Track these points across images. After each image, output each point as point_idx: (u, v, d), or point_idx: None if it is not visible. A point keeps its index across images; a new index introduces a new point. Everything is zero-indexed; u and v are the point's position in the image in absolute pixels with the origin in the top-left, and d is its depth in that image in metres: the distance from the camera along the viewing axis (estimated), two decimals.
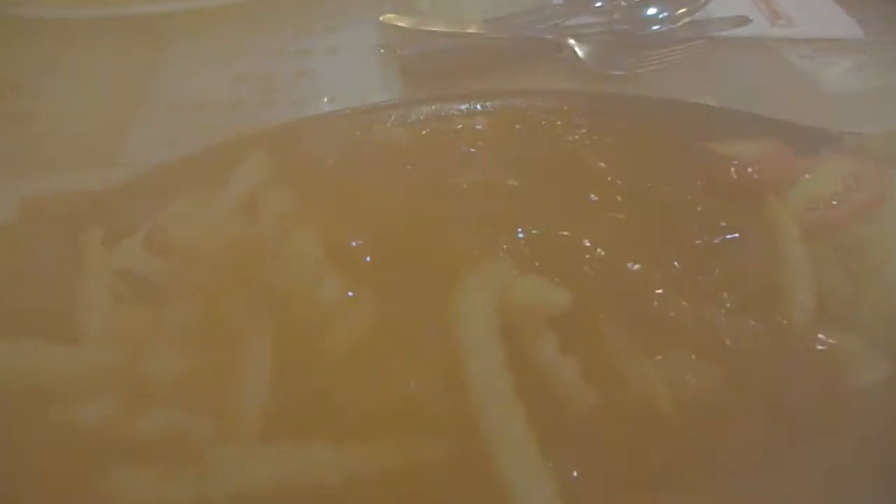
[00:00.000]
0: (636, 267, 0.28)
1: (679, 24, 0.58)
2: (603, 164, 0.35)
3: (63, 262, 0.31)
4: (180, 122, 0.51)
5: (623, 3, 0.61)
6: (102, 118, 0.52)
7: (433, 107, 0.43)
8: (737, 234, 0.30)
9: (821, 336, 0.29)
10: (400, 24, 0.59)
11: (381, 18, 0.60)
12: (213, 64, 0.57)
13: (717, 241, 0.30)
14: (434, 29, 0.58)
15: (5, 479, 0.25)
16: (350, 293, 0.26)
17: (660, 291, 0.28)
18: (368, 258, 0.29)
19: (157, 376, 0.25)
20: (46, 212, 0.41)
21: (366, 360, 0.25)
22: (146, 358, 0.25)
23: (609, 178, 0.33)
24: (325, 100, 0.53)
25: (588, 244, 0.29)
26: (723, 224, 0.31)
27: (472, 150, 0.37)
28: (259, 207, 0.32)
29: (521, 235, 0.29)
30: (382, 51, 0.58)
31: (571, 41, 0.56)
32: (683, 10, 0.58)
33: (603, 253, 0.28)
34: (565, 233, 0.29)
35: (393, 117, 0.41)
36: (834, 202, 0.32)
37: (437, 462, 0.24)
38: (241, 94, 0.54)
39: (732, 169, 0.34)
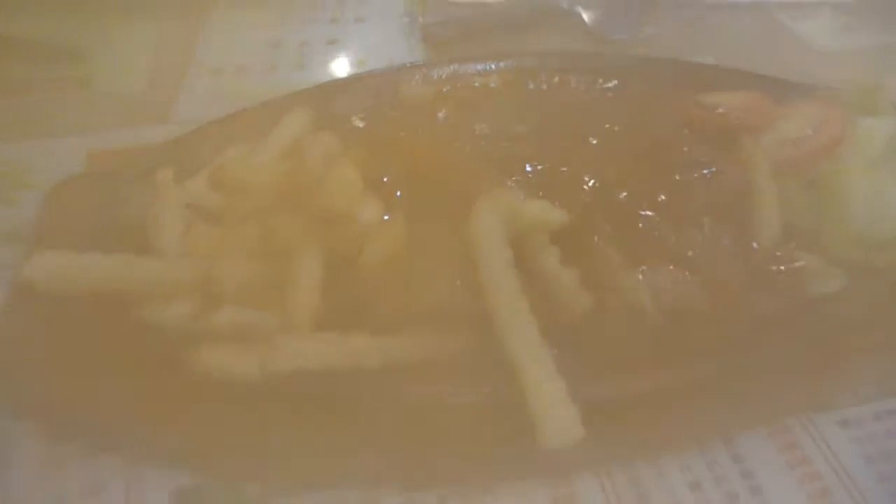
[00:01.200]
0: (626, 195, 0.33)
1: None
2: (601, 113, 0.40)
3: (139, 196, 0.37)
4: (223, 84, 0.56)
5: None
6: (154, 81, 0.57)
7: (452, 67, 0.48)
8: (714, 169, 0.35)
9: (787, 254, 0.34)
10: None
11: None
12: (251, 32, 0.63)
13: (697, 174, 0.35)
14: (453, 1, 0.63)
15: (106, 368, 0.30)
16: (385, 216, 0.31)
17: (646, 214, 0.33)
18: (399, 193, 0.34)
19: (226, 282, 0.30)
20: (113, 161, 0.46)
21: (399, 268, 0.30)
22: (217, 268, 0.30)
23: (606, 125, 0.38)
24: (355, 63, 0.58)
25: (585, 178, 0.34)
26: (703, 160, 0.35)
27: (487, 102, 0.42)
28: (303, 150, 0.37)
29: (528, 170, 0.34)
30: (406, 20, 0.63)
31: (579, 8, 0.61)
32: None
33: (597, 184, 0.33)
34: (565, 168, 0.34)
35: (417, 77, 0.46)
36: (801, 143, 0.37)
37: (459, 351, 0.30)
38: (278, 58, 0.59)
39: (714, 114, 0.39)
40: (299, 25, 0.64)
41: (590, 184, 0.33)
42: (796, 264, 0.34)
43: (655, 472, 0.30)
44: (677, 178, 0.35)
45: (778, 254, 0.34)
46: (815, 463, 0.31)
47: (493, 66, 0.48)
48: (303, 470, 0.29)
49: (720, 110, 0.40)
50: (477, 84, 0.45)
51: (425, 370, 0.29)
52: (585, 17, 0.60)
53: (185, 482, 0.30)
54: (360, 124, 0.40)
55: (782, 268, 0.33)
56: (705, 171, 0.35)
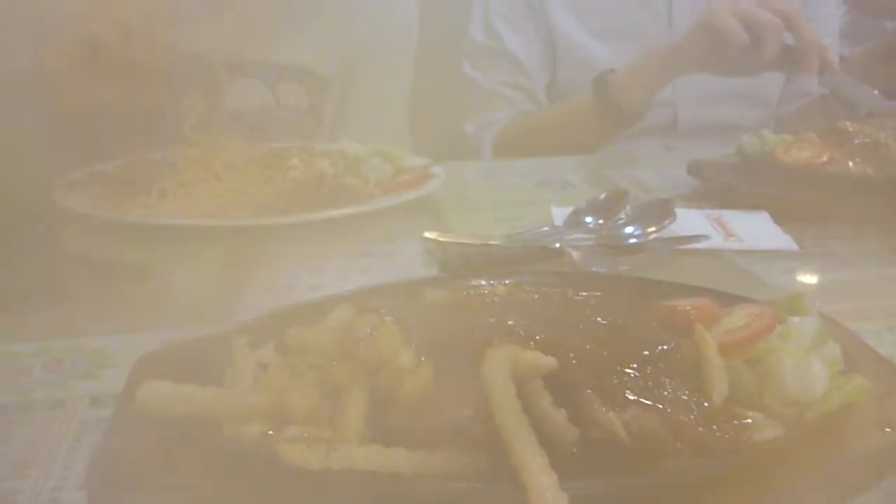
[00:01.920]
0: (604, 359, 0.43)
1: (650, 238, 0.76)
2: (586, 309, 0.51)
3: (216, 360, 0.47)
4: (276, 298, 0.68)
5: (609, 224, 0.81)
6: (216, 294, 0.69)
7: (466, 282, 0.60)
8: (672, 345, 0.45)
9: (733, 411, 0.43)
10: (439, 238, 0.78)
11: (424, 234, 0.79)
12: (297, 261, 0.76)
13: (659, 349, 0.45)
14: (464, 241, 0.77)
15: (201, 476, 0.38)
16: (419, 361, 0.41)
17: (619, 373, 0.42)
18: (424, 357, 0.44)
19: (294, 410, 0.39)
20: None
21: (428, 401, 0.39)
22: (286, 399, 0.39)
23: (589, 315, 0.49)
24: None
25: (572, 346, 0.43)
26: (664, 340, 0.46)
27: (495, 303, 0.54)
28: (352, 328, 0.48)
29: (530, 344, 0.44)
30: (426, 255, 0.76)
31: (568, 249, 0.75)
32: (652, 228, 0.77)
33: (582, 351, 0.43)
34: (557, 341, 0.44)
35: (438, 286, 0.58)
36: (740, 330, 0.47)
37: (477, 466, 0.38)
38: (320, 280, 0.72)
39: (674, 311, 0.50)
40: (336, 258, 0.77)
41: (575, 351, 0.43)
42: (741, 420, 0.43)
43: None
44: (644, 352, 0.45)
45: (727, 409, 0.43)
46: None
47: (498, 282, 0.60)
48: None
49: (679, 309, 0.51)
50: (486, 292, 0.57)
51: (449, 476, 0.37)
52: (573, 255, 0.74)
53: None
54: (395, 312, 0.50)
55: (731, 420, 0.42)
56: (666, 347, 0.45)
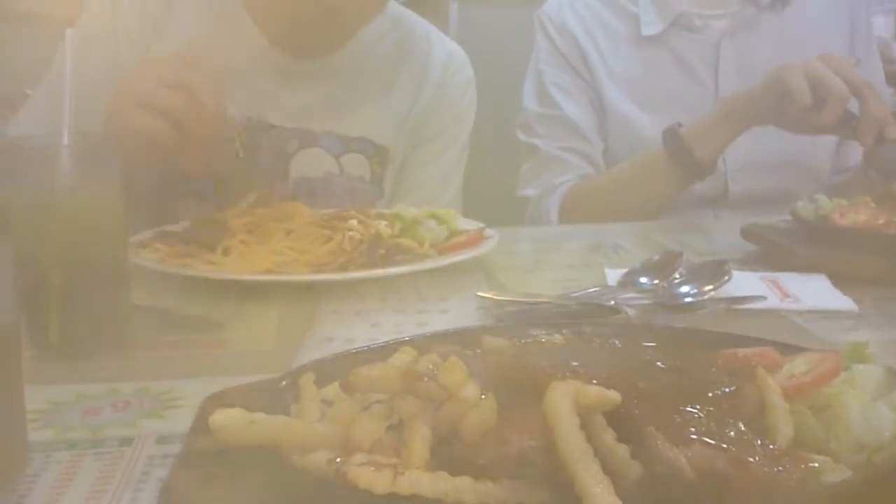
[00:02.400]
0: (668, 399, 0.43)
1: (706, 297, 0.76)
2: (646, 355, 0.51)
3: (284, 398, 0.48)
4: (333, 348, 0.69)
5: (664, 284, 0.81)
6: (278, 345, 0.71)
7: (523, 331, 0.61)
8: (735, 387, 0.45)
9: (800, 455, 0.42)
10: (492, 296, 0.79)
11: (478, 293, 0.80)
12: (355, 316, 0.77)
13: (721, 392, 0.45)
14: (518, 300, 0.78)
15: (278, 492, 0.39)
16: (482, 395, 0.42)
17: (683, 412, 0.42)
18: (487, 392, 0.45)
19: (361, 440, 0.40)
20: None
21: (492, 433, 0.40)
22: (355, 429, 0.40)
23: (650, 360, 0.49)
24: None
25: (636, 386, 0.44)
26: (727, 382, 0.45)
27: (553, 349, 0.54)
28: (416, 366, 0.49)
29: (593, 381, 0.44)
30: (481, 311, 0.77)
31: (623, 306, 0.75)
32: (709, 287, 0.77)
33: (643, 390, 0.43)
34: (619, 380, 0.44)
35: (496, 334, 0.59)
36: (804, 375, 0.47)
37: (541, 497, 0.38)
38: (377, 334, 0.73)
39: (735, 358, 0.50)
40: (392, 314, 0.79)
41: (638, 389, 0.43)
42: (808, 463, 0.42)
43: None
44: (707, 393, 0.45)
45: (793, 453, 0.42)
46: None
47: (556, 332, 0.60)
48: None
49: (740, 355, 0.51)
50: (544, 340, 0.58)
51: None
52: (629, 312, 0.74)
53: None
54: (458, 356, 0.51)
55: (797, 463, 0.42)
56: (728, 389, 0.45)
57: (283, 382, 0.51)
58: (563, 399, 0.39)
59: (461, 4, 2.84)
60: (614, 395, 0.40)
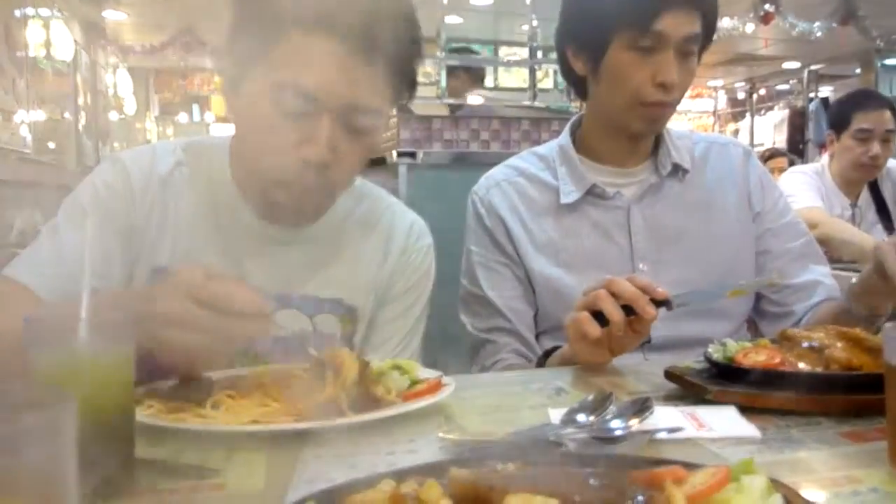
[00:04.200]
0: None
1: (632, 429, 0.90)
2: (582, 477, 0.64)
3: None
4: (318, 488, 0.80)
5: (598, 419, 0.94)
6: (267, 485, 0.81)
7: (482, 464, 0.73)
8: (648, 496, 0.58)
9: None
10: (453, 437, 0.91)
11: (440, 434, 0.92)
12: (335, 459, 0.88)
13: (637, 499, 0.58)
14: (476, 439, 0.91)
15: None
16: None
17: None
18: None
19: None
20: None
21: None
22: None
23: (584, 480, 0.62)
24: None
25: (570, 499, 0.56)
26: (641, 494, 0.59)
27: (508, 473, 0.66)
28: (399, 489, 0.60)
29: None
30: (444, 448, 0.89)
31: (565, 441, 0.88)
32: (635, 420, 0.91)
33: (578, 499, 0.56)
34: (560, 494, 0.57)
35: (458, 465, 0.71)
36: (701, 484, 0.60)
37: None
38: (355, 475, 0.84)
39: (649, 474, 0.63)
40: (366, 456, 0.90)
41: (574, 500, 0.56)
42: None
43: None
44: (628, 502, 0.58)
45: None
46: None
47: (510, 463, 0.73)
48: None
49: (654, 472, 0.64)
50: (499, 468, 0.70)
51: None
52: (570, 445, 0.87)
53: None
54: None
55: None
56: (643, 497, 0.58)
57: None
58: None
59: (409, 168, 3.10)
60: (554, 502, 0.53)
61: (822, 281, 1.67)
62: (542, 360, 1.52)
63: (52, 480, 0.42)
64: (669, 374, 1.13)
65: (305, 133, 1.16)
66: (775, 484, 0.64)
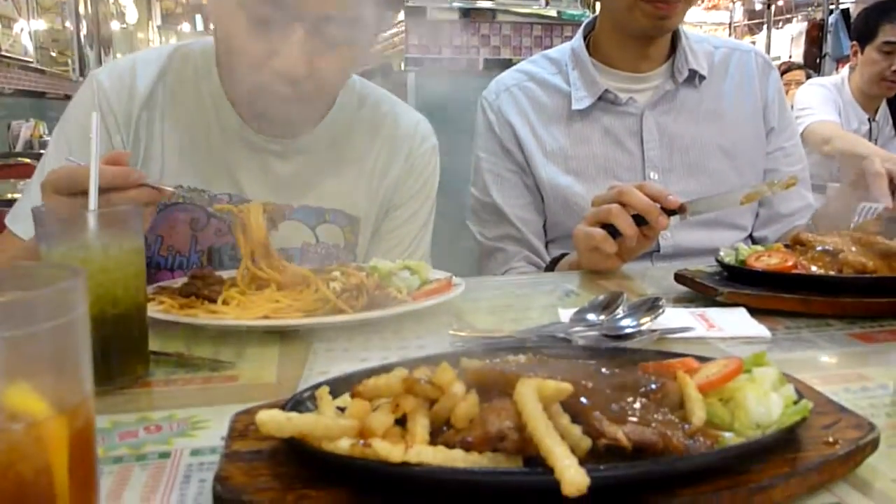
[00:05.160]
0: (608, 394, 0.56)
1: (643, 328, 0.90)
2: (592, 367, 0.64)
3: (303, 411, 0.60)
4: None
5: (608, 319, 0.94)
6: (279, 378, 0.82)
7: (493, 356, 0.73)
8: (660, 384, 0.58)
9: (710, 433, 0.55)
10: (462, 334, 0.92)
11: (450, 332, 0.93)
12: (345, 353, 0.89)
13: (650, 387, 0.58)
14: (485, 335, 0.91)
15: (299, 480, 0.50)
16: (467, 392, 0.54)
17: (620, 405, 0.55)
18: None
19: (374, 428, 0.51)
20: None
21: (477, 420, 0.52)
22: (370, 421, 0.52)
23: (595, 370, 0.62)
24: None
25: (582, 385, 0.56)
26: (653, 381, 0.59)
27: (523, 365, 0.67)
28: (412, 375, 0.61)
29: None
30: (453, 347, 0.90)
31: (574, 338, 0.88)
32: (646, 319, 0.91)
33: (590, 388, 0.56)
34: (570, 382, 0.57)
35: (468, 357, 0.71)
36: (714, 374, 0.60)
37: (516, 462, 0.50)
38: (363, 365, 0.84)
39: (661, 366, 0.63)
40: (377, 351, 0.90)
41: (585, 388, 0.56)
42: (717, 438, 0.55)
43: None
44: (639, 389, 0.58)
45: (705, 430, 0.55)
46: None
47: (521, 355, 0.73)
48: None
49: (665, 364, 0.64)
50: (510, 359, 0.70)
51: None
52: (579, 342, 0.87)
53: None
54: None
55: (708, 436, 0.55)
56: (655, 386, 0.58)
57: (305, 394, 0.62)
58: (529, 390, 0.52)
59: (416, 76, 3.03)
60: (567, 387, 0.52)
61: (812, 206, 1.68)
62: (551, 267, 1.52)
63: (65, 351, 0.42)
64: (680, 278, 1.13)
65: (277, 44, 1.10)
66: (787, 376, 0.64)
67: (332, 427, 0.52)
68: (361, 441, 0.50)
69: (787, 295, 1.00)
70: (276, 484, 0.52)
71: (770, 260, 1.07)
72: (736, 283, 1.06)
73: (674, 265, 1.29)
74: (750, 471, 0.52)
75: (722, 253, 1.14)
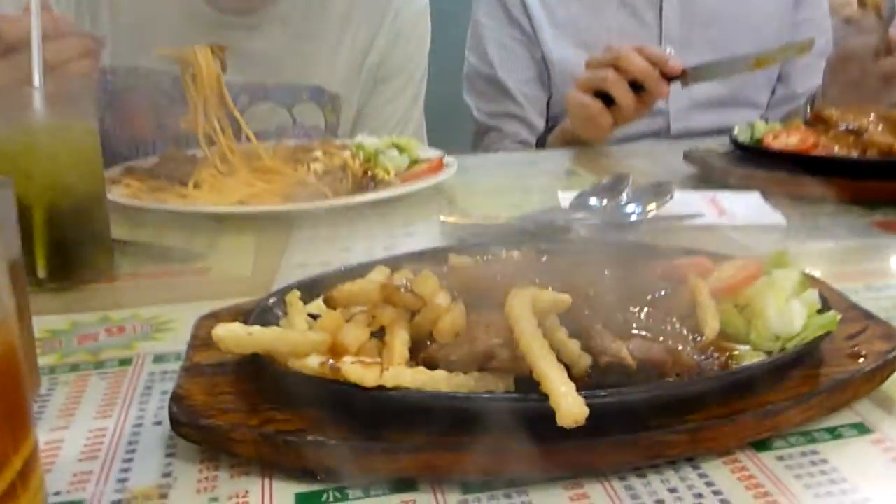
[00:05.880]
0: (613, 302, 0.50)
1: (649, 215, 0.83)
2: (595, 267, 0.57)
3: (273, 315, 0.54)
4: (310, 272, 0.74)
5: (612, 204, 0.87)
6: (255, 271, 0.76)
7: (484, 250, 0.66)
8: (670, 290, 0.52)
9: (724, 345, 0.50)
10: (454, 220, 0.85)
11: (441, 218, 0.86)
12: (326, 243, 0.83)
13: (658, 294, 0.52)
14: (479, 222, 0.84)
15: (263, 399, 0.45)
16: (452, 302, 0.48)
17: (626, 313, 0.49)
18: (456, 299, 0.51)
19: (349, 344, 0.45)
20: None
21: (462, 334, 0.46)
22: (342, 335, 0.46)
23: (597, 271, 0.56)
24: None
25: (584, 293, 0.50)
26: (664, 287, 0.52)
27: (518, 264, 0.60)
28: (392, 280, 0.55)
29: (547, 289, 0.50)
30: (444, 234, 0.83)
31: (575, 226, 0.81)
32: (653, 205, 0.84)
33: (591, 296, 0.50)
34: (569, 289, 0.50)
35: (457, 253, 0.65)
36: (730, 278, 0.54)
37: (506, 385, 0.44)
38: (349, 258, 0.78)
39: (671, 266, 0.56)
40: (362, 240, 0.84)
41: (586, 295, 0.50)
42: (731, 351, 0.49)
43: (642, 481, 0.43)
44: (646, 296, 0.51)
45: (719, 343, 0.49)
46: (764, 485, 0.43)
47: (514, 250, 0.66)
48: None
49: (676, 265, 0.57)
50: (503, 256, 0.64)
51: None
52: (581, 232, 0.80)
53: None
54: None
55: (721, 350, 0.49)
56: (664, 291, 0.52)
57: (271, 300, 0.56)
58: (522, 303, 0.45)
59: None
60: (565, 299, 0.46)
61: None
62: (543, 138, 1.42)
63: None
64: (690, 157, 1.05)
65: None
66: (809, 278, 0.57)
67: (299, 342, 0.46)
68: (331, 361, 0.44)
69: (804, 178, 0.92)
70: (240, 404, 0.47)
71: (789, 139, 0.99)
72: (750, 165, 0.98)
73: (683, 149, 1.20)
74: (766, 391, 0.47)
75: (736, 130, 1.06)
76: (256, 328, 0.47)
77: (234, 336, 0.46)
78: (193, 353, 0.53)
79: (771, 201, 0.90)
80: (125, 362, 0.59)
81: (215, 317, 0.58)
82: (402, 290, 0.49)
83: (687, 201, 0.90)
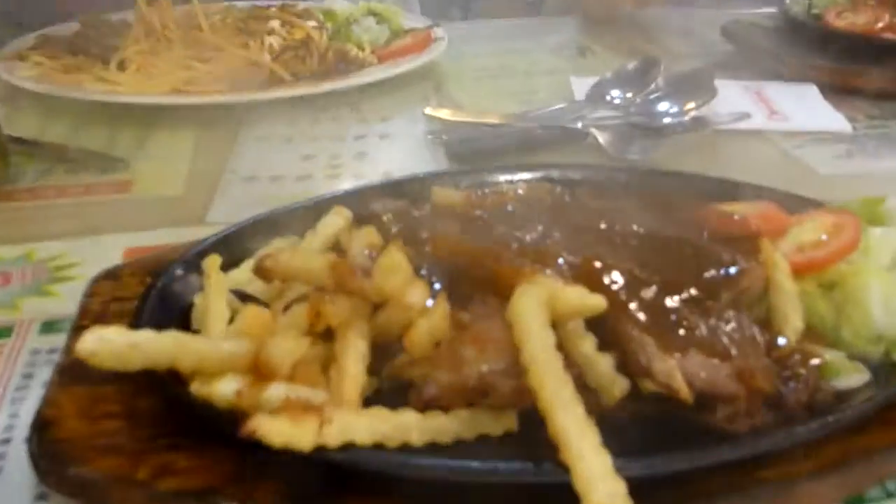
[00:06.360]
0: (657, 289, 0.35)
1: (687, 117, 0.66)
2: (624, 217, 0.42)
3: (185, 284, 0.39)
4: (258, 190, 0.59)
5: (637, 99, 0.70)
6: (190, 186, 0.60)
7: (479, 177, 0.51)
8: (737, 268, 0.37)
9: (810, 350, 0.35)
10: (442, 116, 0.68)
11: (425, 111, 0.69)
12: (284, 145, 0.66)
13: (722, 273, 0.37)
14: (473, 121, 0.68)
15: (161, 430, 0.31)
16: (429, 302, 0.33)
17: (677, 306, 0.34)
18: (437, 285, 0.36)
19: (279, 361, 0.31)
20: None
21: (445, 348, 0.32)
22: (270, 346, 0.31)
23: (633, 226, 0.41)
24: (381, 175, 0.61)
25: (617, 272, 0.35)
26: (726, 260, 0.37)
27: (515, 207, 0.45)
28: (345, 243, 0.40)
29: (561, 263, 0.36)
30: (430, 137, 0.67)
31: (594, 130, 0.65)
32: (691, 104, 0.67)
33: (629, 278, 0.35)
34: (597, 263, 0.36)
35: (446, 183, 0.49)
36: (818, 247, 0.39)
37: (506, 432, 0.31)
38: (309, 169, 0.62)
39: (732, 221, 0.41)
40: (327, 141, 0.67)
41: (622, 277, 0.35)
42: (819, 360, 0.35)
43: None
44: (704, 275, 0.37)
45: (802, 349, 0.35)
46: None
47: (518, 178, 0.51)
48: None
49: (736, 217, 0.42)
50: (505, 190, 0.48)
51: (467, 450, 0.30)
52: (601, 139, 0.64)
53: None
54: (395, 225, 0.42)
55: (807, 362, 0.35)
56: (729, 270, 0.37)
57: (178, 271, 0.40)
58: (534, 309, 0.31)
59: None
60: (597, 302, 0.31)
61: None
62: None
63: None
64: (730, 33, 0.86)
65: None
66: None
67: (207, 358, 0.32)
68: (246, 391, 0.30)
69: (876, 69, 0.75)
70: (128, 436, 0.33)
71: (855, 18, 0.80)
72: (805, 48, 0.80)
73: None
74: (871, 432, 0.33)
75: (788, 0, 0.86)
76: (144, 335, 0.32)
77: (111, 349, 0.31)
78: (77, 340, 0.38)
79: (831, 99, 0.73)
80: (5, 333, 0.44)
81: (114, 277, 0.43)
82: (361, 273, 0.34)
83: (729, 94, 0.73)
